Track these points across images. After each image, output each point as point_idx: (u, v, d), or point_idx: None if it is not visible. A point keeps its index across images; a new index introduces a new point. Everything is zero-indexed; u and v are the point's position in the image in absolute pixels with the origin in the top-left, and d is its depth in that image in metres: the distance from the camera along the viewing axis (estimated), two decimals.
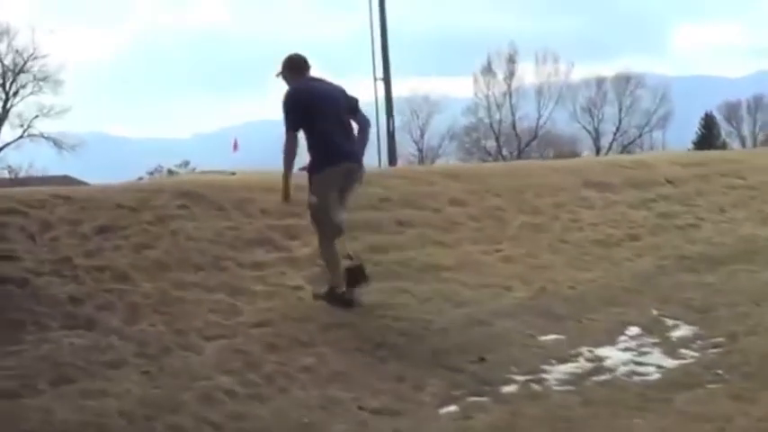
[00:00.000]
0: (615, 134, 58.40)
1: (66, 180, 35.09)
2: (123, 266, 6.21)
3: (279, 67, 6.70)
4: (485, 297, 7.03)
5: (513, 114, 57.08)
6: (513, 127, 57.08)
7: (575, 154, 48.81)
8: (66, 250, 6.23)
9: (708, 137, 57.75)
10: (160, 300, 5.90)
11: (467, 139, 58.71)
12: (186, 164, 41.93)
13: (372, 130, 20.35)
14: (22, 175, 46.53)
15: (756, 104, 62.28)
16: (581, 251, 8.72)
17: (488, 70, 57.09)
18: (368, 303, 6.51)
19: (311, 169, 6.52)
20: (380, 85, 25.85)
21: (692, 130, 60.76)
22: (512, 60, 56.82)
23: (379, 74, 25.91)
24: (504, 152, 56.06)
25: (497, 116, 57.08)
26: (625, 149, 54.22)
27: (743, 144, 58.33)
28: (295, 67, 6.68)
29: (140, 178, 25.33)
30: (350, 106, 6.67)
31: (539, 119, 57.09)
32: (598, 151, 55.55)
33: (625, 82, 58.84)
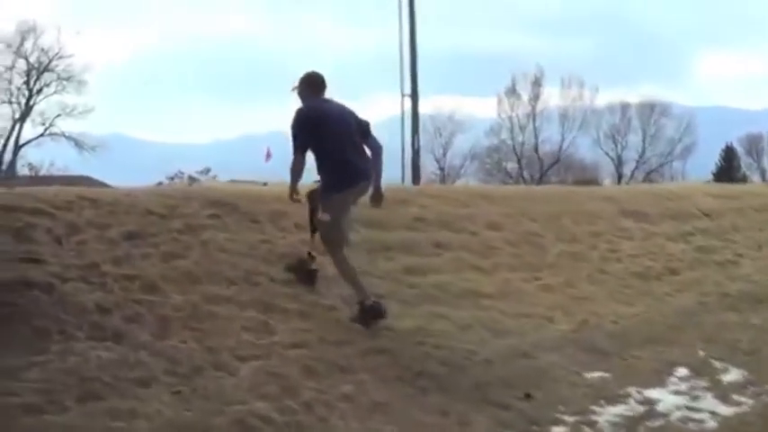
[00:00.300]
0: (638, 162, 57.80)
1: (85, 180, 34.92)
2: (153, 276, 5.92)
3: (296, 83, 6.57)
4: (527, 327, 6.78)
5: (536, 137, 56.55)
6: (536, 150, 56.61)
7: (596, 180, 48.38)
8: (94, 255, 5.94)
9: (728, 169, 56.97)
10: (191, 314, 5.61)
11: (488, 160, 58.19)
12: (207, 171, 41.42)
13: (396, 147, 20.25)
14: (42, 173, 46.59)
15: None
16: (621, 283, 8.47)
17: (513, 92, 56.71)
18: (406, 327, 6.26)
19: (326, 189, 6.37)
20: (406, 102, 25.47)
21: (712, 161, 59.97)
22: (537, 83, 56.37)
23: (406, 90, 25.52)
24: (526, 175, 55.63)
25: (520, 138, 56.58)
26: (647, 178, 53.64)
27: (763, 177, 57.65)
28: (313, 85, 6.55)
29: (160, 183, 25.14)
30: (361, 130, 6.52)
31: (562, 143, 56.69)
32: (620, 179, 55.02)
33: (650, 110, 58.24)
